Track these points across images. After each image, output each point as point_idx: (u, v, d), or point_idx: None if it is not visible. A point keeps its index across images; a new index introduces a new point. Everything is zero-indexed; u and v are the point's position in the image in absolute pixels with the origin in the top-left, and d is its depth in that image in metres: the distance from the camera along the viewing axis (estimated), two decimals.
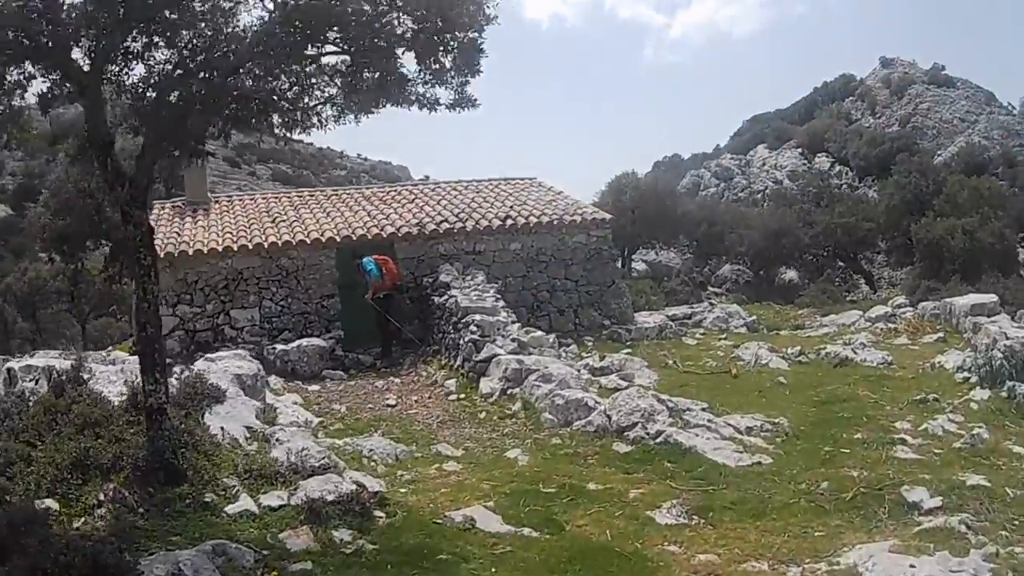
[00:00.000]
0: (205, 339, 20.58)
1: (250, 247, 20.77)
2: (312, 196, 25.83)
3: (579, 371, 15.59)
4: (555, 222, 23.10)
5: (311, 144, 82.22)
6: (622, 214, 37.40)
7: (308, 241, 21.06)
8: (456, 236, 22.09)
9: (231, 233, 21.51)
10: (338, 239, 21.32)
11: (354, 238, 21.35)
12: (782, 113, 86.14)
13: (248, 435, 10.69)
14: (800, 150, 67.41)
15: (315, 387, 17.49)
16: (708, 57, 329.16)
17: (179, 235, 21.54)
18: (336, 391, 17.14)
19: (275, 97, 9.01)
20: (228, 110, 8.82)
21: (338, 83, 9.13)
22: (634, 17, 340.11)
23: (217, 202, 24.70)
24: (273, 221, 22.42)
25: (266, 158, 73.71)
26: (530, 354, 15.66)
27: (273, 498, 8.77)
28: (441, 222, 22.38)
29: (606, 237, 24.13)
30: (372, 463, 11.21)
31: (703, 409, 12.87)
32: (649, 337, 22.10)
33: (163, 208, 24.13)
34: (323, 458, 9.71)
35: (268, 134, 9.97)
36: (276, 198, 25.64)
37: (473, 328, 16.70)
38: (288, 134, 9.73)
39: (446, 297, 18.90)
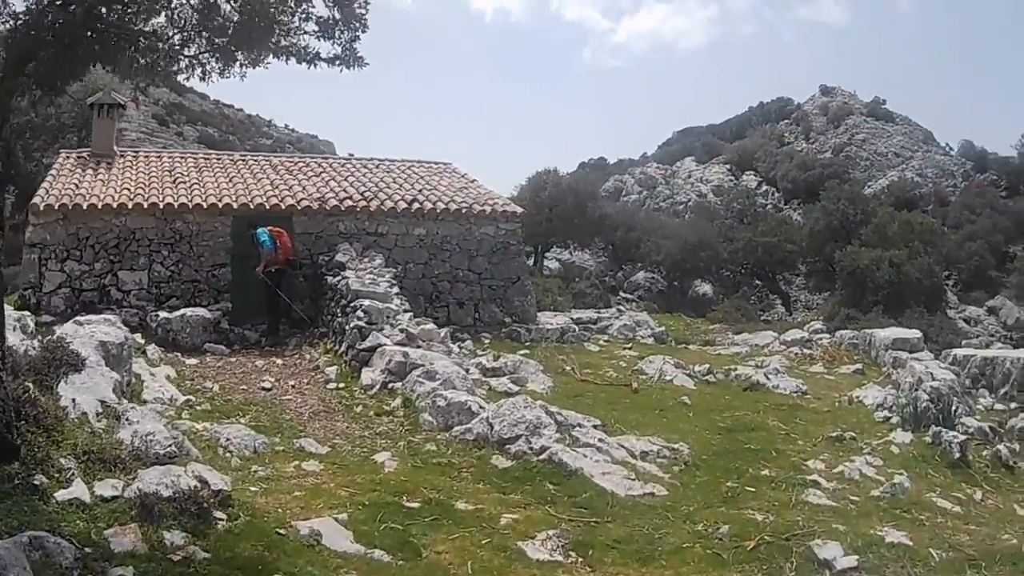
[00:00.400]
0: (91, 299, 19.96)
1: (145, 206, 20.18)
2: (219, 160, 25.18)
3: (468, 370, 15.27)
4: (463, 210, 22.61)
5: (241, 110, 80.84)
6: (539, 210, 37.26)
7: (205, 206, 20.52)
8: (359, 215, 21.67)
9: (129, 190, 20.88)
10: (235, 206, 20.79)
11: (251, 207, 20.85)
12: (714, 128, 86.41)
13: (100, 411, 9.98)
14: (728, 166, 67.58)
15: (193, 361, 17.03)
16: (648, 66, 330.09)
17: (76, 187, 20.89)
18: (214, 367, 16.68)
19: (134, 33, 8.32)
20: (85, 44, 8.05)
21: (195, 20, 8.44)
22: (580, 19, 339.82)
23: (122, 156, 23.95)
24: (174, 182, 21.82)
25: (195, 119, 72.27)
26: (419, 347, 15.26)
27: (108, 487, 7.95)
28: (344, 199, 21.94)
29: (515, 231, 23.64)
30: (228, 454, 10.52)
31: (595, 426, 12.31)
32: (550, 339, 21.53)
33: (67, 158, 23.42)
34: (169, 445, 9.07)
35: (135, 76, 9.14)
36: (182, 158, 25.02)
37: (360, 314, 16.29)
38: (155, 78, 9.17)
39: (339, 278, 18.47)
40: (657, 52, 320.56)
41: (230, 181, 22.49)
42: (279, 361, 17.43)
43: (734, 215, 48.77)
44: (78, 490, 7.65)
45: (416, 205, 22.23)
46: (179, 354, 17.40)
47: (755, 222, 45.53)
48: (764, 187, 63.14)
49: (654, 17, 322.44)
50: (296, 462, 10.55)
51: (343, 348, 16.47)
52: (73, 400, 9.68)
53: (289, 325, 20.04)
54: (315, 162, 26.11)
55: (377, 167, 25.57)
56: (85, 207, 19.96)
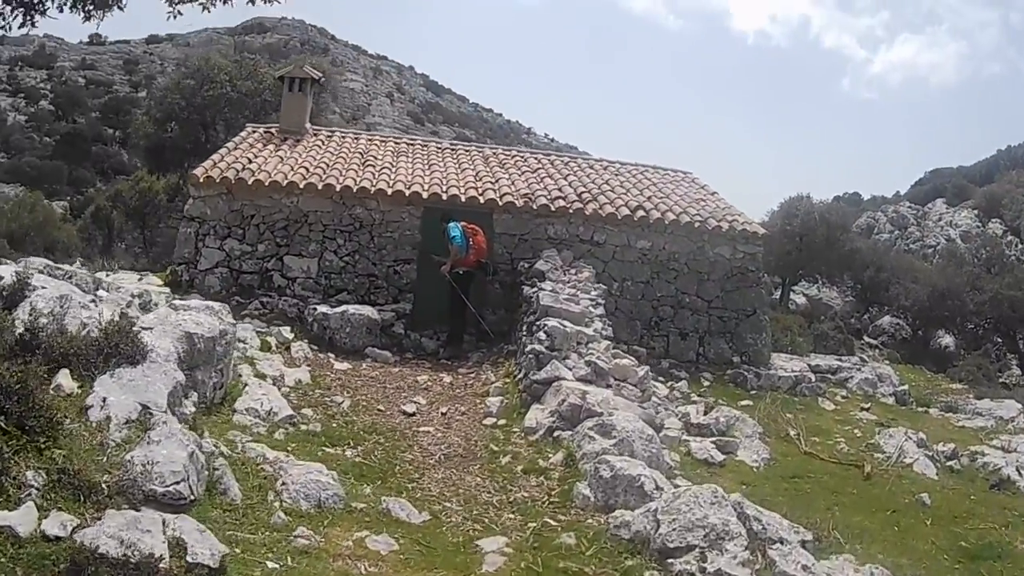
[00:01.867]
0: (250, 283, 17.43)
1: (319, 187, 17.30)
2: (424, 147, 22.04)
3: (663, 424, 11.69)
4: (696, 224, 18.64)
5: (500, 115, 79.69)
6: (789, 239, 33.55)
7: (389, 192, 17.46)
8: (572, 219, 18.03)
9: (306, 168, 18.09)
10: (425, 196, 17.64)
11: (444, 198, 17.61)
12: (964, 170, 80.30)
13: (134, 418, 6.91)
14: (976, 212, 61.17)
15: (344, 366, 13.99)
16: (902, 99, 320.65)
17: (249, 161, 18.26)
18: (364, 377, 13.64)
19: None
20: None
21: None
22: (838, 47, 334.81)
23: (315, 135, 21.21)
24: (362, 164, 18.89)
25: (452, 120, 71.37)
26: (606, 387, 11.41)
27: (58, 524, 5.15)
28: (556, 198, 18.34)
29: (755, 256, 19.43)
30: (275, 504, 7.37)
31: (803, 542, 8.07)
32: (780, 389, 17.48)
33: (252, 132, 20.85)
34: (177, 482, 5.91)
35: None
36: (382, 141, 22.08)
37: (542, 336, 12.46)
38: None
39: (534, 289, 14.84)
40: (911, 85, 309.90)
41: (428, 168, 19.39)
42: (447, 379, 14.06)
43: (981, 263, 42.79)
44: (18, 519, 5.20)
45: (641, 213, 18.43)
46: (332, 356, 14.50)
47: (1002, 273, 39.69)
48: (1009, 237, 56.35)
49: (908, 49, 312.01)
50: (364, 532, 7.24)
51: (520, 374, 12.81)
52: (104, 400, 6.90)
53: (476, 337, 16.65)
54: (534, 157, 22.48)
55: (605, 168, 21.81)
56: (251, 182, 17.37)
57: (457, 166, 19.92)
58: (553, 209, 17.83)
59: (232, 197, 17.61)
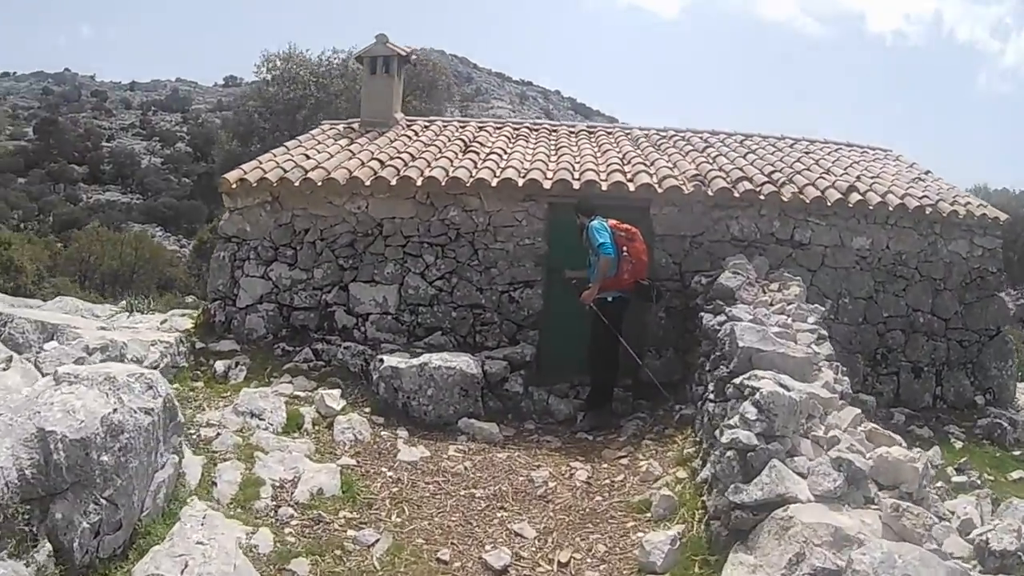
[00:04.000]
0: (304, 323, 12.32)
1: (392, 183, 11.98)
2: (553, 131, 16.11)
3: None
4: (928, 210, 12.73)
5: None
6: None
7: (494, 182, 11.88)
8: (764, 208, 12.16)
9: (379, 161, 12.79)
10: (548, 184, 11.95)
11: (577, 186, 11.85)
12: None
13: None
14: None
15: (416, 453, 8.84)
16: None
17: (307, 159, 13.13)
18: (442, 474, 8.38)
19: None
20: None
21: None
22: (971, 41, 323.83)
23: (410, 126, 15.75)
24: (462, 151, 13.43)
25: None
26: (868, 501, 5.72)
27: None
28: (739, 179, 12.41)
29: (995, 252, 13.62)
30: None
31: None
32: None
33: (330, 128, 15.67)
34: None
35: None
36: (497, 127, 16.20)
37: (751, 413, 6.46)
38: None
39: (722, 319, 9.17)
40: None
41: (555, 152, 13.74)
42: (582, 474, 8.55)
43: None
44: None
45: (856, 197, 12.43)
46: (402, 434, 9.42)
47: None
48: None
49: None
50: None
51: (706, 474, 7.19)
52: None
53: (633, 395, 11.13)
54: (698, 136, 15.89)
55: (791, 146, 15.58)
56: (298, 183, 12.25)
57: (596, 149, 14.19)
58: (737, 195, 11.95)
59: (279, 206, 12.60)
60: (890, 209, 12.56)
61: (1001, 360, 13.30)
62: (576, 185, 11.73)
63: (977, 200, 13.91)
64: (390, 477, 8.10)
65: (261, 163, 13.09)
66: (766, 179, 12.38)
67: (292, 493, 7.33)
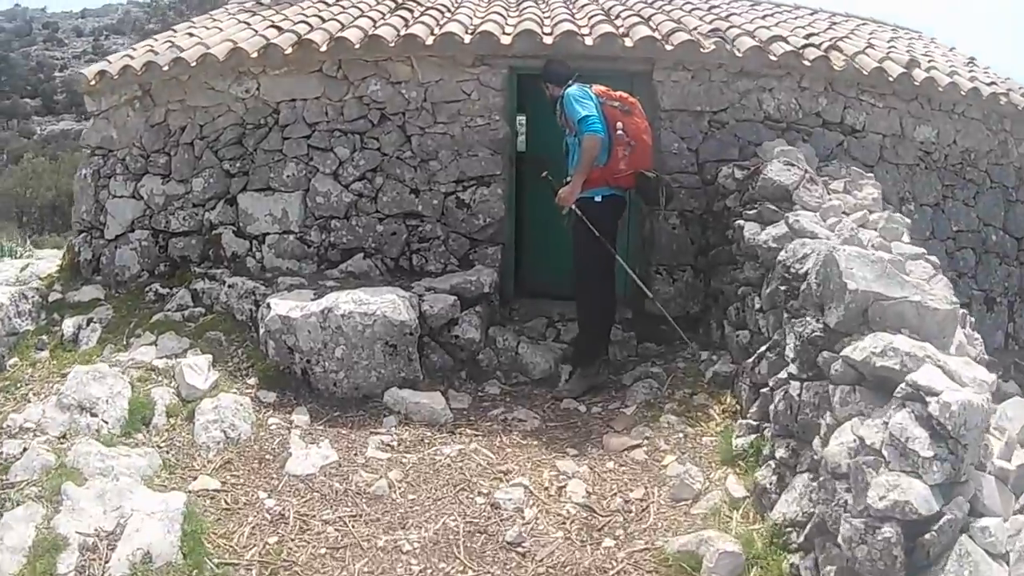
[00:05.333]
0: (184, 253, 9.09)
1: (286, 51, 8.40)
2: None
3: None
4: (1001, 99, 9.84)
5: None
6: None
7: (430, 40, 8.21)
8: (807, 79, 8.66)
9: (278, 28, 9.22)
10: (507, 40, 8.26)
11: (549, 41, 8.19)
12: None
13: None
14: None
15: (315, 459, 5.81)
16: None
17: (190, 36, 9.76)
18: (354, 499, 5.34)
19: None
20: None
21: None
22: None
23: None
24: (394, 9, 9.67)
25: None
26: None
27: None
28: (773, 39, 8.76)
29: None
30: None
31: None
32: None
33: (236, 7, 11.94)
34: None
35: None
36: None
37: (914, 434, 3.46)
38: None
39: (777, 231, 6.08)
40: None
41: (517, 7, 9.91)
42: (580, 484, 5.48)
43: None
44: None
45: (920, 73, 9.16)
46: (300, 417, 6.51)
47: None
48: None
49: None
50: None
51: (790, 511, 4.38)
52: None
53: (636, 336, 7.94)
54: None
55: (812, 15, 11.87)
56: (167, 67, 8.86)
57: (571, 4, 10.16)
58: (774, 58, 8.39)
59: (151, 102, 9.28)
60: (962, 93, 9.40)
61: None
62: (548, 40, 8.11)
63: None
64: (268, 513, 4.95)
65: (136, 50, 9.76)
66: (805, 42, 8.95)
67: (106, 564, 4.22)
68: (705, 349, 7.35)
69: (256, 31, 9.20)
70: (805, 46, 8.73)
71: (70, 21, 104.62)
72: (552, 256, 8.22)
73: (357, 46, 8.16)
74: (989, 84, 10.11)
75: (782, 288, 5.47)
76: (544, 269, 8.64)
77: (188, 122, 9.05)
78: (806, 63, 8.47)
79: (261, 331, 6.97)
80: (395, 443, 5.94)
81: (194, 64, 8.69)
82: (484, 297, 7.60)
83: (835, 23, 11.58)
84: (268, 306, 6.97)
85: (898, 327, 4.19)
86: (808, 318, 4.77)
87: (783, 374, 5.01)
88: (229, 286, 8.10)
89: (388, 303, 6.66)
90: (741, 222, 6.77)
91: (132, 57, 9.51)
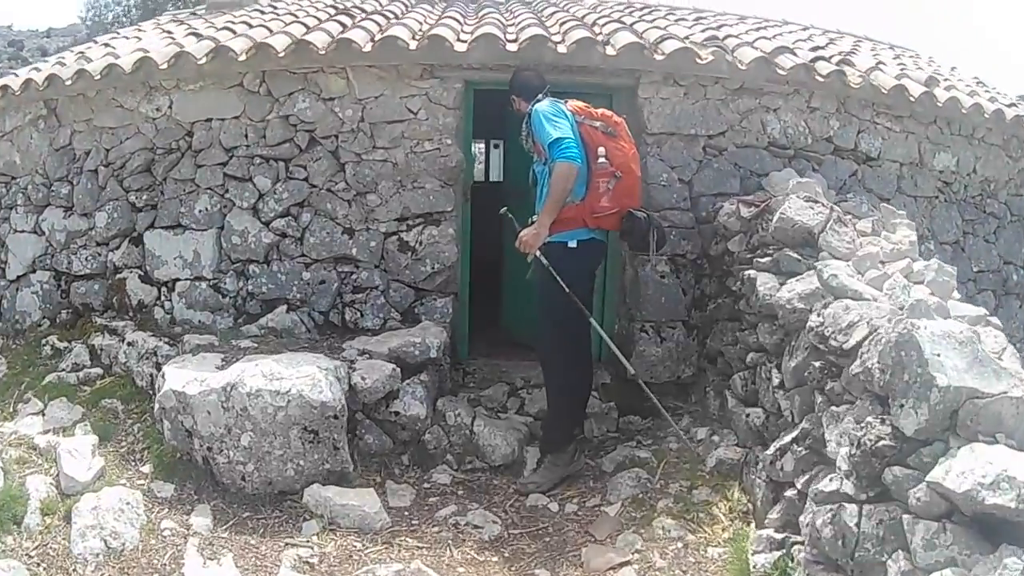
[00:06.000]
0: (87, 299, 7.77)
1: (199, 60, 6.99)
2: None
3: None
4: (1020, 116, 8.77)
5: None
6: None
7: (368, 47, 6.77)
8: (817, 97, 7.36)
9: (197, 35, 7.96)
10: (463, 47, 6.83)
11: (514, 48, 6.78)
12: None
13: None
14: None
15: None
16: None
17: (106, 46, 8.67)
18: None
19: None
20: None
21: None
22: None
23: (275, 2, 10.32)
24: (333, 15, 8.15)
25: None
26: None
27: None
28: (778, 50, 7.42)
29: None
30: None
31: None
32: None
33: (168, 18, 10.66)
34: None
35: None
36: None
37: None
38: None
39: (806, 285, 4.78)
40: None
41: (476, 15, 8.49)
42: None
43: None
44: None
45: (943, 93, 8.00)
46: (200, 520, 5.14)
47: None
48: None
49: None
50: None
51: None
52: None
53: (617, 408, 6.57)
54: (678, 11, 10.28)
55: (804, 30, 10.65)
56: (69, 80, 7.59)
57: (537, 13, 8.72)
58: (783, 72, 7.04)
59: (56, 121, 8.01)
60: (985, 116, 8.25)
61: None
62: (512, 48, 6.74)
63: None
64: None
65: (47, 63, 8.71)
66: (814, 55, 7.67)
67: None
68: (701, 424, 6.05)
69: (173, 40, 7.85)
70: (815, 59, 7.43)
71: (35, 40, 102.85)
72: (514, 301, 6.90)
73: (282, 54, 6.73)
74: (1009, 106, 8.96)
75: (815, 364, 4.21)
76: (507, 317, 7.33)
77: (94, 145, 7.70)
78: (819, 79, 7.14)
79: (156, 407, 5.59)
80: (315, 559, 4.60)
81: (98, 77, 7.33)
82: (431, 363, 6.18)
83: (832, 39, 10.29)
84: (163, 376, 5.59)
85: (993, 431, 2.95)
86: (870, 419, 3.43)
87: (827, 484, 3.69)
88: (128, 344, 6.73)
89: (306, 379, 5.24)
90: (752, 273, 5.44)
91: (40, 70, 8.24)
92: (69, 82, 7.53)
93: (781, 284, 5.04)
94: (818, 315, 4.27)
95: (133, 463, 5.62)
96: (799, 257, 5.18)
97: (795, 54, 7.40)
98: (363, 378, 5.67)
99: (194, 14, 10.36)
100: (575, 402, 5.84)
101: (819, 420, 4.07)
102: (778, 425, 4.83)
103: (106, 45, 8.68)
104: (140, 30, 9.83)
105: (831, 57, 7.76)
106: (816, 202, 5.53)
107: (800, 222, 5.30)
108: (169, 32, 8.60)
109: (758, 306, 5.21)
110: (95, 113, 7.69)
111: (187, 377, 5.43)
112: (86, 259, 7.66)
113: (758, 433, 5.12)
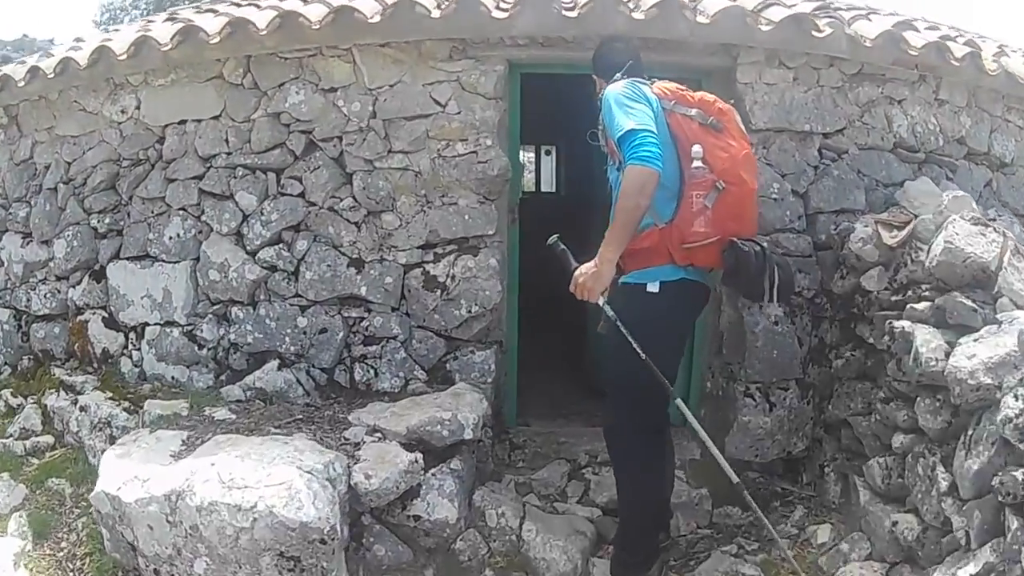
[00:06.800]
0: (46, 346, 6.28)
1: (167, 48, 5.38)
2: None
3: None
4: None
5: None
6: None
7: (376, 18, 5.07)
8: (945, 87, 5.76)
9: (172, 20, 6.33)
10: (500, 15, 5.06)
11: (573, 15, 5.00)
12: None
13: None
14: None
15: None
16: None
17: (79, 40, 6.95)
18: None
19: None
20: None
21: None
22: None
23: None
24: None
25: None
26: None
27: None
28: (901, 24, 5.85)
29: None
30: None
31: None
32: None
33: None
34: None
35: None
36: None
37: None
38: None
39: (995, 358, 3.23)
40: None
41: None
42: None
43: None
44: None
45: None
46: None
47: None
48: None
49: None
50: None
51: None
52: None
53: (711, 495, 4.90)
54: None
55: (889, 13, 8.89)
56: (22, 82, 6.16)
57: None
58: (914, 53, 5.31)
59: (17, 131, 6.66)
60: None
61: None
62: (570, 14, 5.03)
63: None
64: None
65: (25, 63, 7.19)
66: (943, 33, 5.99)
67: None
68: (817, 517, 4.55)
69: (151, 30, 6.39)
70: (944, 37, 5.79)
71: None
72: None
73: (264, 32, 5.14)
74: None
75: (1017, 475, 2.69)
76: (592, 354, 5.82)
77: (55, 158, 6.29)
78: (954, 63, 5.46)
79: (94, 509, 4.13)
80: None
81: (51, 76, 5.88)
82: (465, 444, 4.58)
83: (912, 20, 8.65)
84: (100, 466, 4.14)
85: None
86: None
87: None
88: (81, 408, 5.29)
89: (280, 488, 3.62)
90: (905, 325, 3.85)
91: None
92: (22, 83, 6.11)
93: (951, 344, 3.52)
94: (1016, 397, 2.79)
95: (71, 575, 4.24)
96: (974, 306, 3.60)
97: (917, 30, 5.78)
98: (368, 476, 4.06)
99: (197, 9, 8.98)
100: (651, 502, 4.22)
101: (1015, 553, 2.83)
102: (941, 545, 3.42)
103: (78, 40, 7.30)
104: (151, 21, 8.48)
105: (956, 37, 6.12)
106: (986, 226, 3.91)
107: (973, 255, 3.73)
108: (149, 21, 7.18)
109: (917, 374, 3.63)
110: (57, 120, 6.29)
111: (126, 474, 3.94)
112: (45, 296, 6.25)
113: (908, 549, 3.63)
